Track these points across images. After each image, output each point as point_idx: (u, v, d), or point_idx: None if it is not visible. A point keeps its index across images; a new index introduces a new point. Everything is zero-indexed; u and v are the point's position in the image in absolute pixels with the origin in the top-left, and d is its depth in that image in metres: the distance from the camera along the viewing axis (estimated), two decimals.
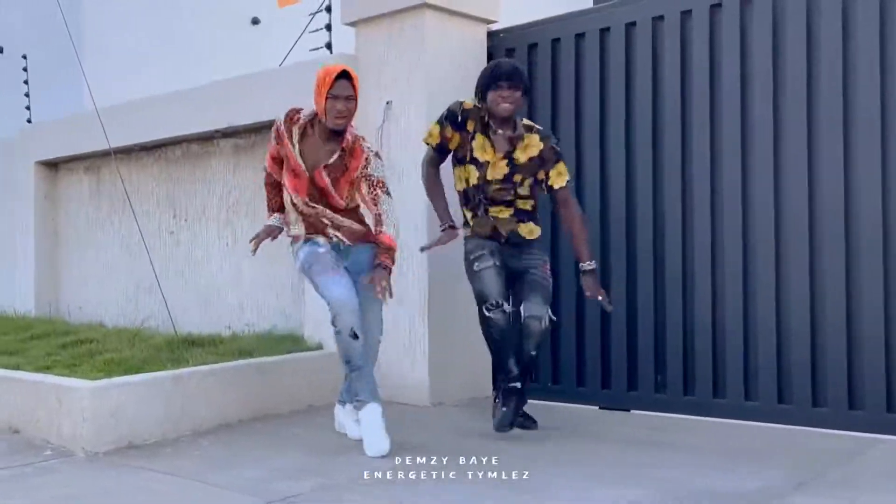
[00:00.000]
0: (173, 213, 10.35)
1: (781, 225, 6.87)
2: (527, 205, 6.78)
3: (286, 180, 6.36)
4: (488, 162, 6.62)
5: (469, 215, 6.78)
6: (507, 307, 6.53)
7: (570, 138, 7.84)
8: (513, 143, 6.64)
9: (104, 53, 15.59)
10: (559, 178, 6.75)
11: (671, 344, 7.31)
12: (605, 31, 7.73)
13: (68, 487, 5.54)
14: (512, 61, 6.74)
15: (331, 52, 9.31)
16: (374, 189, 6.30)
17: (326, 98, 6.08)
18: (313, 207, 6.31)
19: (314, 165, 6.25)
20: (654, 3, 7.46)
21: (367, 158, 6.30)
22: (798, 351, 6.75)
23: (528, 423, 6.71)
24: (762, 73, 6.95)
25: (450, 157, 6.83)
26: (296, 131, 6.28)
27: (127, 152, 10.76)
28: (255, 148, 9.35)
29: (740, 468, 5.63)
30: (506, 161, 6.62)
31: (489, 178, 6.63)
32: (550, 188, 6.77)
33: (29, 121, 12.33)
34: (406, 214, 7.77)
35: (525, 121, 6.82)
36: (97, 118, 9.41)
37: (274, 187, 6.59)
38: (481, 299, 6.52)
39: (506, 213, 6.71)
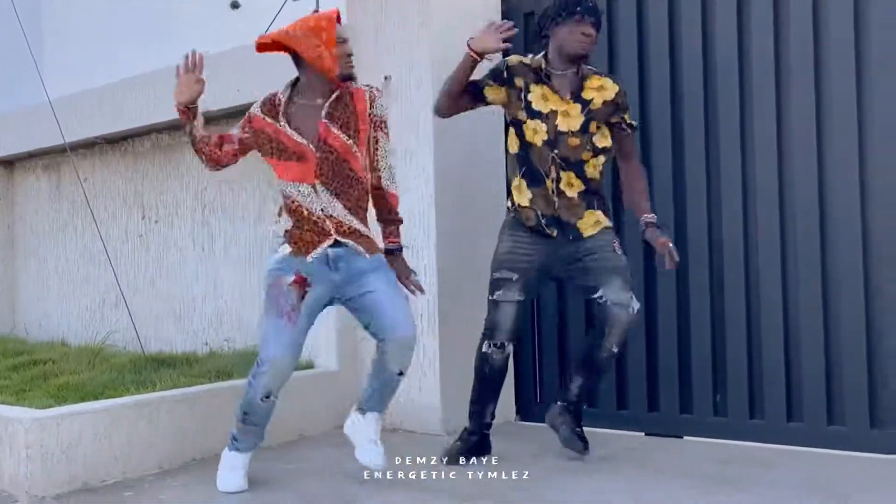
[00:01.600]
0: (142, 214, 10.06)
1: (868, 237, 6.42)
2: (597, 172, 6.24)
3: (284, 175, 5.76)
4: (555, 111, 6.10)
5: (523, 191, 6.26)
6: (510, 348, 6.26)
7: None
8: (581, 83, 6.16)
9: (68, 37, 15.60)
10: (630, 124, 6.32)
11: (732, 358, 6.85)
12: None
13: None
14: None
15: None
16: (377, 131, 5.83)
17: (336, 44, 5.61)
18: (312, 188, 5.68)
19: (315, 130, 5.71)
20: None
21: (370, 95, 5.82)
22: (892, 366, 6.27)
23: (576, 443, 6.36)
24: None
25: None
26: (281, 112, 5.76)
27: (90, 146, 10.55)
28: None
29: None
30: (579, 106, 6.12)
31: (562, 128, 6.09)
32: (631, 125, 6.30)
33: None
34: (411, 207, 7.35)
35: (584, 66, 6.30)
36: (57, 108, 9.21)
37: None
38: (490, 333, 6.22)
39: (575, 189, 6.15)
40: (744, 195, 6.86)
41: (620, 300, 5.99)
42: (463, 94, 6.25)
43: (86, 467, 6.14)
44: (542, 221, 6.15)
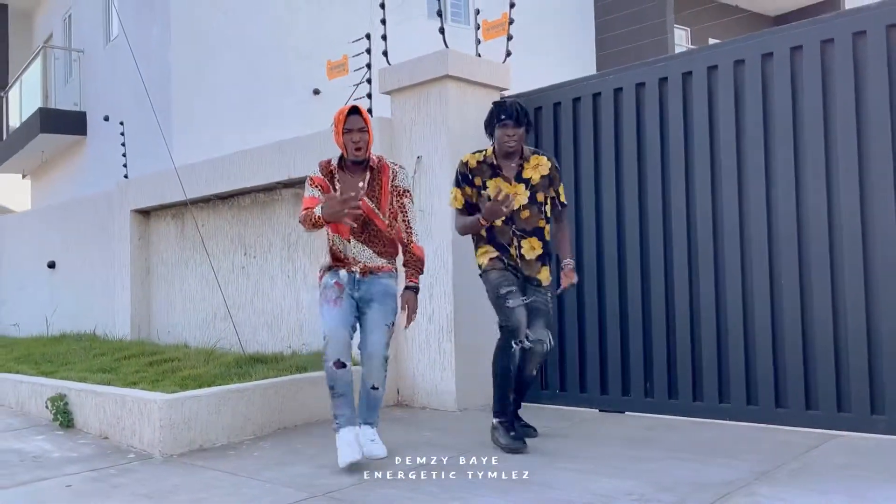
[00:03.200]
0: (244, 251, 10.35)
1: (774, 236, 6.86)
2: (546, 233, 6.36)
3: (330, 227, 5.89)
4: (508, 195, 6.06)
5: (490, 248, 6.32)
6: (527, 344, 6.22)
7: (571, 186, 7.85)
8: (521, 165, 6.26)
9: (192, 118, 15.77)
10: (562, 193, 6.45)
11: (657, 353, 7.29)
12: (597, 96, 7.77)
13: (143, 485, 5.55)
14: (514, 101, 6.26)
15: (371, 116, 9.31)
16: (401, 198, 5.94)
17: (343, 133, 5.77)
18: (347, 242, 5.86)
19: None
20: (638, 73, 7.50)
21: (393, 171, 5.92)
22: (762, 357, 6.74)
23: (529, 431, 6.58)
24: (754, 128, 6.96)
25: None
26: (336, 177, 5.90)
27: (206, 201, 10.86)
28: None
29: (713, 461, 5.62)
30: (523, 185, 6.23)
31: (515, 207, 6.22)
32: (562, 204, 6.43)
33: (126, 176, 12.38)
34: (434, 250, 7.93)
35: (528, 147, 6.39)
36: (182, 173, 9.49)
37: (309, 213, 5.75)
38: (512, 335, 6.11)
39: (534, 252, 6.28)
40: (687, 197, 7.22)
41: (540, 338, 6.18)
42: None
43: (201, 434, 6.64)
44: (510, 264, 6.29)
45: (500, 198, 5.92)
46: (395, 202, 5.95)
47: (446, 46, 8.21)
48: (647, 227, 7.40)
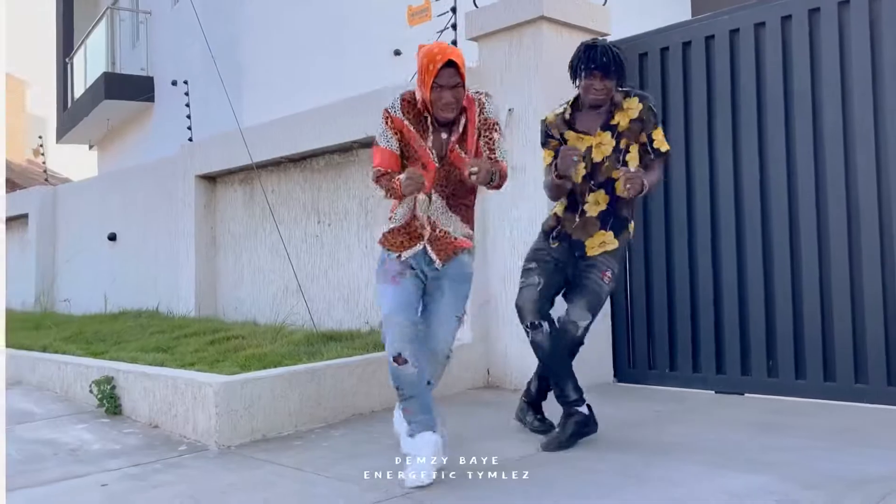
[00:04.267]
0: (317, 219, 10.19)
1: (884, 213, 6.50)
2: (618, 187, 5.65)
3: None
4: (590, 147, 5.69)
5: (560, 209, 5.88)
6: (547, 326, 5.73)
7: (680, 142, 7.53)
8: (611, 112, 5.71)
9: (262, 78, 15.56)
10: (661, 139, 5.75)
11: (781, 327, 6.95)
12: (710, 39, 7.44)
13: (190, 483, 5.18)
14: (608, 45, 5.66)
15: None
16: (490, 132, 5.19)
17: (431, 89, 5.00)
18: (427, 198, 5.17)
19: (442, 146, 5.18)
20: (757, 11, 7.16)
21: (479, 102, 5.21)
22: None
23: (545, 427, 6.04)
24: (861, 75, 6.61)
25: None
26: (423, 115, 5.17)
27: (276, 164, 10.70)
28: None
29: (859, 450, 5.18)
30: (609, 133, 5.70)
31: (597, 159, 5.70)
32: (657, 151, 5.75)
33: (190, 139, 12.01)
34: (528, 213, 7.70)
35: (621, 91, 5.82)
36: (249, 135, 9.43)
37: (388, 177, 5.19)
38: (520, 316, 5.81)
39: (598, 208, 5.72)
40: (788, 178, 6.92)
41: (576, 320, 5.61)
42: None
43: (264, 422, 6.32)
44: (552, 233, 5.88)
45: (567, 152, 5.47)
46: (482, 139, 5.24)
47: None
48: (768, 184, 7.06)
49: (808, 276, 6.78)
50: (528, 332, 5.77)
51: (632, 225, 5.91)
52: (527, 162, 7.71)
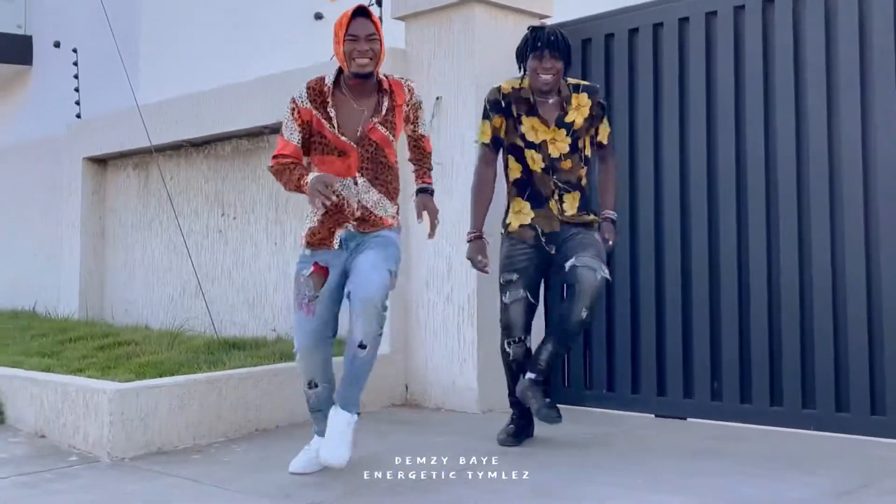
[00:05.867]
0: (222, 211, 10.45)
1: (836, 225, 6.87)
2: (585, 179, 6.60)
3: (321, 168, 5.74)
4: (545, 141, 6.43)
5: (525, 206, 6.52)
6: (529, 341, 6.50)
7: (624, 134, 7.84)
8: (563, 106, 6.45)
9: (162, 47, 15.73)
10: (605, 133, 6.65)
11: (727, 348, 7.29)
12: (658, 27, 7.76)
13: (88, 492, 5.62)
14: (553, 28, 6.48)
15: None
16: (415, 111, 6.01)
17: (344, 41, 5.54)
18: (353, 181, 5.72)
19: (358, 130, 5.71)
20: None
21: (408, 87, 5.91)
22: (856, 357, 6.72)
23: (552, 414, 6.35)
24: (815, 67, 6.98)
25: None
26: (329, 103, 5.72)
27: (176, 148, 10.94)
28: None
29: (789, 476, 5.68)
30: (564, 131, 6.42)
31: (554, 154, 6.43)
32: (600, 144, 6.65)
33: (78, 116, 12.38)
34: (456, 212, 7.94)
35: (569, 80, 6.58)
36: (147, 114, 9.58)
37: (290, 167, 5.74)
38: (506, 333, 6.54)
39: (575, 204, 6.50)
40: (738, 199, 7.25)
41: (588, 264, 6.14)
42: (493, 167, 6.65)
43: (161, 434, 6.69)
44: (542, 240, 6.49)
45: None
46: (409, 124, 6.05)
47: None
48: (717, 187, 7.40)
49: (757, 293, 7.09)
50: (508, 345, 6.48)
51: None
52: (454, 156, 8.03)
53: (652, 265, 7.68)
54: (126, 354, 8.33)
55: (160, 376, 7.14)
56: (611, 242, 6.50)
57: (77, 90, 12.42)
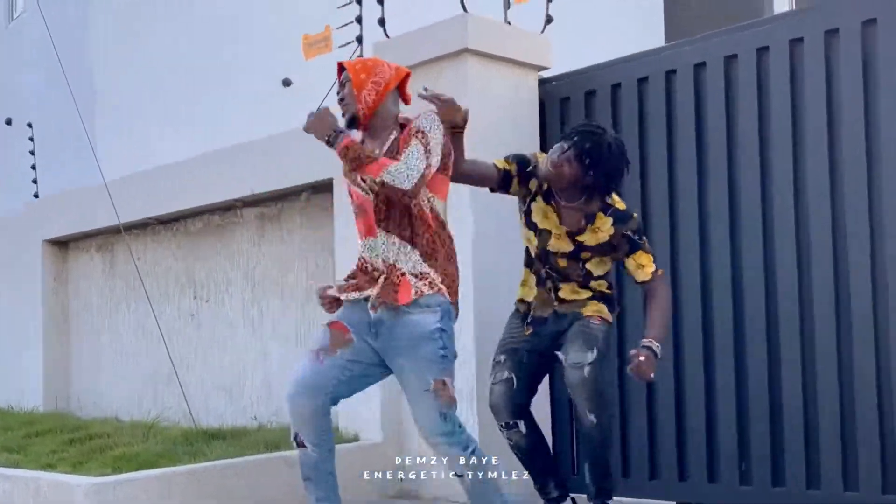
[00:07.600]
0: (194, 294, 10.36)
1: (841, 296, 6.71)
2: (603, 286, 6.30)
3: (358, 235, 5.58)
4: (549, 232, 6.17)
5: (531, 280, 6.38)
6: (523, 426, 6.27)
7: (637, 191, 7.57)
8: (582, 221, 6.15)
9: (120, 119, 15.65)
10: (639, 271, 6.16)
11: (756, 425, 7.03)
12: (671, 74, 7.51)
13: None
14: (611, 137, 6.16)
15: None
16: (411, 137, 5.40)
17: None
18: (374, 238, 5.45)
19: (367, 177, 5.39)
20: (725, 42, 7.30)
21: (417, 117, 5.50)
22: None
23: None
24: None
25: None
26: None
27: (142, 227, 10.87)
28: (282, 216, 9.37)
29: None
30: (569, 239, 6.16)
31: (551, 248, 6.20)
32: (641, 282, 6.22)
33: (36, 195, 12.34)
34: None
35: (613, 199, 6.23)
36: (109, 191, 9.44)
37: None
38: (494, 416, 6.36)
39: (579, 295, 6.28)
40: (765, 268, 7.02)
41: (574, 362, 5.94)
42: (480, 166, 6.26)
43: None
44: (528, 319, 6.36)
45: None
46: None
47: (465, 10, 7.98)
48: (740, 247, 7.13)
49: (789, 364, 6.84)
50: (502, 432, 6.25)
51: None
52: (451, 200, 7.72)
53: (671, 338, 7.18)
54: (99, 447, 8.17)
55: (138, 469, 7.02)
56: (651, 375, 5.93)
57: (34, 167, 12.36)
